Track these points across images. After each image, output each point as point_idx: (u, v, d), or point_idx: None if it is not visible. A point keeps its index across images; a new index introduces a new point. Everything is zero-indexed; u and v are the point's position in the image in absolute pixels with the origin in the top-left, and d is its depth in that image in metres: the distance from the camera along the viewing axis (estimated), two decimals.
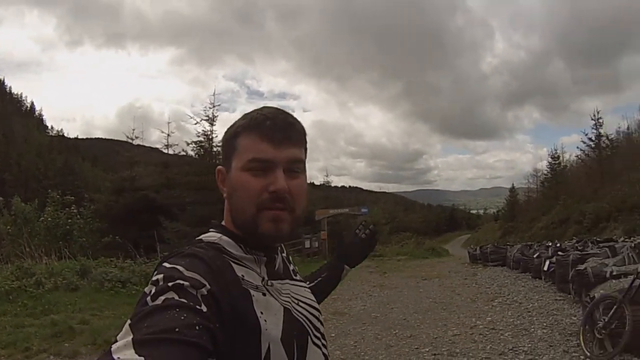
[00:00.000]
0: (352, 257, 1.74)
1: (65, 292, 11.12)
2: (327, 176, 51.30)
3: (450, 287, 14.22)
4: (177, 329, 0.74)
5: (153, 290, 0.84)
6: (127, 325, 0.77)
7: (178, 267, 0.90)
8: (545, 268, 13.39)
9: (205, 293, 0.86)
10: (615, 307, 6.06)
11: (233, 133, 1.10)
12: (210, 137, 28.34)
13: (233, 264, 1.01)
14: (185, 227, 23.23)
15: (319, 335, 1.15)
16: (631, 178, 26.38)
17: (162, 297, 0.81)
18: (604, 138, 40.61)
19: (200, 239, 1.08)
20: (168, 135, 31.16)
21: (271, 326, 0.98)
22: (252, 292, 0.99)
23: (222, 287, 0.91)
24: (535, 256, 15.87)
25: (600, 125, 40.80)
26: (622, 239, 15.16)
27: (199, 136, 28.41)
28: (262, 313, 0.97)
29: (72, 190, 26.11)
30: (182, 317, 0.77)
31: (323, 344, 1.17)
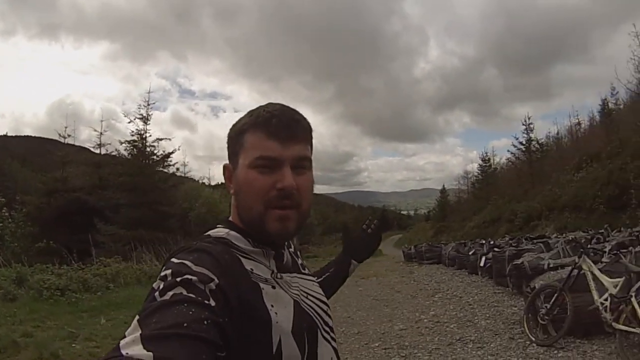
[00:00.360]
0: (359, 252, 1.73)
1: (4, 302, 10.61)
2: None
3: (389, 284, 14.51)
4: (185, 324, 0.74)
5: (161, 286, 0.83)
6: (135, 321, 0.77)
7: (186, 262, 0.89)
8: (482, 264, 13.92)
9: (214, 287, 0.86)
10: (555, 295, 6.43)
11: (239, 130, 1.09)
12: (144, 136, 27.36)
13: (241, 258, 1.02)
14: (119, 230, 22.63)
15: (328, 329, 1.15)
16: (561, 179, 27.67)
17: (170, 293, 0.81)
18: (534, 142, 42.77)
19: (208, 234, 1.09)
20: (101, 133, 30.29)
21: (282, 319, 0.98)
22: (261, 285, 0.99)
23: (231, 281, 0.91)
24: (470, 253, 16.50)
25: (531, 130, 43.08)
26: (555, 235, 16.00)
27: (132, 135, 27.35)
28: (272, 306, 0.97)
29: (3, 191, 24.71)
30: (191, 312, 0.77)
31: (332, 338, 1.17)
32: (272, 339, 0.94)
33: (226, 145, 1.15)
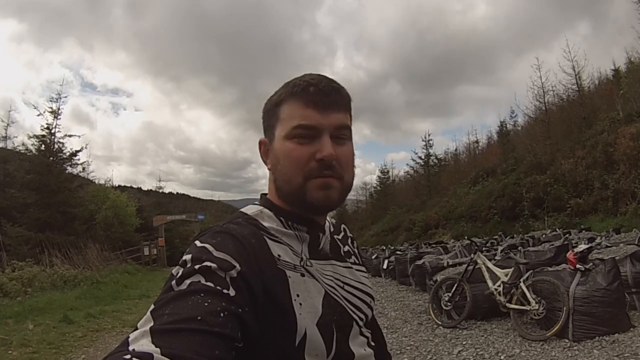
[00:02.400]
0: None
1: None
2: (159, 181, 50.40)
3: None
4: (199, 317, 0.74)
5: (180, 273, 0.83)
6: (148, 312, 0.77)
7: (208, 246, 0.89)
8: (385, 266, 15.43)
9: (235, 275, 0.85)
10: (456, 285, 7.67)
11: (275, 102, 1.08)
12: (53, 132, 25.59)
13: (270, 242, 0.99)
14: (27, 231, 21.29)
15: (366, 323, 1.13)
16: (458, 192, 30.26)
17: (188, 281, 0.81)
18: (432, 157, 45.66)
19: (242, 212, 1.09)
20: (8, 125, 28.87)
21: (307, 309, 0.95)
22: (288, 272, 0.97)
23: (255, 268, 0.90)
24: (373, 257, 17.98)
25: (430, 146, 45.88)
26: (452, 241, 17.74)
27: (42, 130, 25.39)
28: (298, 296, 0.95)
29: None
30: (207, 304, 0.77)
31: (373, 331, 1.17)
32: (296, 330, 0.92)
33: (261, 120, 1.14)
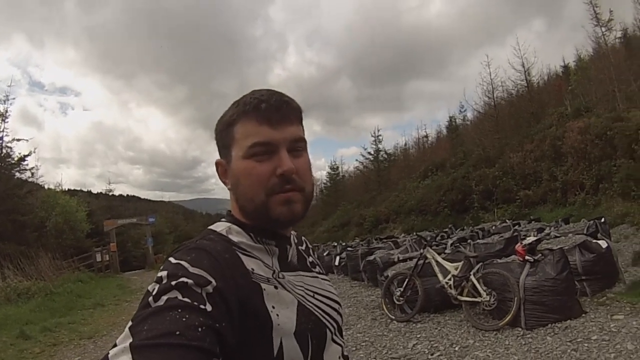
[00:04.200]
0: None
1: None
2: (109, 184, 49.48)
3: None
4: (178, 332, 0.75)
5: (156, 289, 0.84)
6: (127, 329, 0.78)
7: (183, 262, 0.90)
8: (337, 263, 15.48)
9: (211, 291, 0.86)
10: (407, 280, 7.87)
11: (228, 122, 1.09)
12: (1, 136, 24.38)
13: (242, 256, 1.01)
14: None
15: (336, 329, 1.16)
16: (408, 186, 30.79)
17: (165, 297, 0.82)
18: (382, 152, 46.20)
19: (211, 229, 1.10)
20: None
21: (284, 320, 0.98)
22: (263, 285, 0.99)
23: (231, 282, 0.91)
24: (325, 254, 18.01)
25: (380, 141, 46.41)
26: (402, 235, 17.99)
27: None
28: (273, 307, 0.97)
29: None
30: (184, 319, 0.78)
31: (341, 336, 1.20)
32: (273, 342, 0.95)
33: (215, 142, 1.15)
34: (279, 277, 1.04)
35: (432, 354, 5.98)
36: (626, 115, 14.89)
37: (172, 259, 0.92)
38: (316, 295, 1.12)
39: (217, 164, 1.14)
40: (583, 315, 6.37)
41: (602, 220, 9.71)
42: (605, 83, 19.47)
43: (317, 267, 1.25)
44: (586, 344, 5.47)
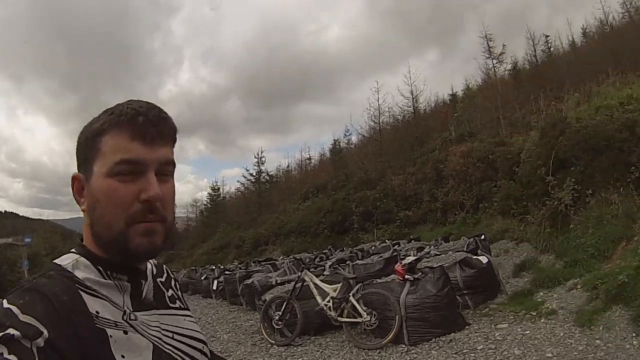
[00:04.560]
0: None
1: None
2: None
3: None
4: None
5: None
6: None
7: (13, 307, 0.79)
8: (214, 287, 15.12)
9: (42, 344, 0.76)
10: (285, 303, 7.71)
11: (97, 131, 0.95)
12: None
13: (86, 296, 0.89)
14: None
15: None
16: (288, 208, 30.87)
17: None
18: (264, 174, 45.93)
19: (56, 263, 0.96)
20: None
21: None
22: (109, 331, 0.87)
23: (68, 332, 0.80)
24: (202, 278, 17.56)
25: (262, 163, 46.15)
26: (281, 257, 17.85)
27: None
28: (123, 357, 0.86)
29: None
30: None
31: None
32: None
33: (75, 152, 1.00)
34: (130, 319, 0.93)
35: None
36: (509, 140, 15.73)
37: (4, 302, 0.81)
38: (176, 336, 1.02)
39: (74, 178, 0.98)
40: (467, 327, 6.60)
41: (482, 237, 10.02)
42: (491, 111, 20.49)
43: (177, 301, 1.14)
44: (472, 354, 5.68)
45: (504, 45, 22.58)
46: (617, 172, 9.47)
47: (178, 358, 0.98)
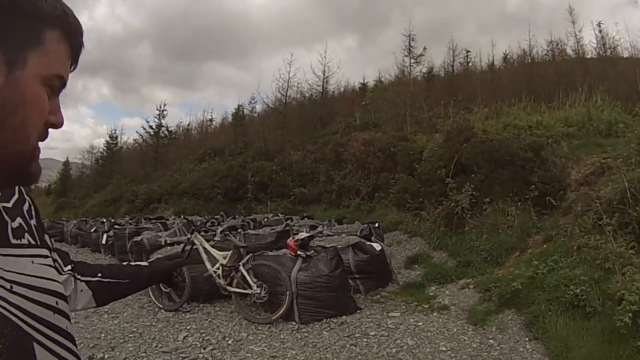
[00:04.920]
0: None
1: None
2: None
3: None
4: None
5: None
6: None
7: None
8: (104, 241, 14.60)
9: None
10: None
11: (44, 15, 0.74)
12: None
13: None
14: None
15: (54, 334, 0.82)
16: (184, 168, 30.39)
17: None
18: (164, 128, 44.53)
19: None
20: None
21: None
22: None
23: None
24: (92, 231, 16.91)
25: (164, 117, 44.51)
26: (172, 217, 17.72)
27: None
28: None
29: None
30: None
31: (67, 347, 0.85)
32: None
33: None
34: None
35: (204, 348, 5.86)
36: (412, 137, 16.23)
37: None
38: (15, 287, 0.75)
39: None
40: (358, 311, 6.78)
41: (377, 225, 10.32)
42: (399, 106, 20.84)
43: (27, 235, 0.86)
44: (365, 339, 5.80)
45: (424, 48, 23.19)
46: (517, 187, 10.06)
47: (14, 318, 0.73)
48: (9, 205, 0.84)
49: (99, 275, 1.25)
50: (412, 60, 22.75)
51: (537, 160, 10.39)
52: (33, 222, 0.90)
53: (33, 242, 0.86)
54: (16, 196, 0.88)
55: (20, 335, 0.73)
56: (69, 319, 0.87)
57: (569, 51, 24.86)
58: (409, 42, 22.57)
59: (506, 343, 5.68)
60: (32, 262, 0.82)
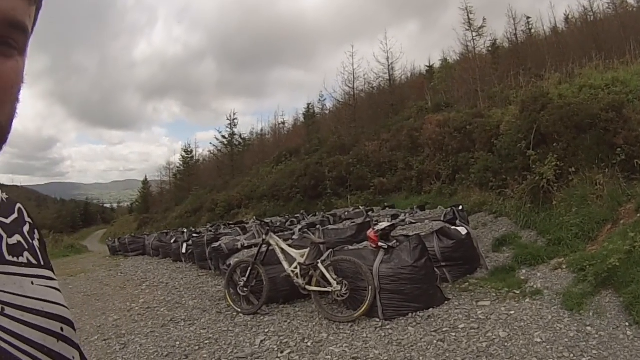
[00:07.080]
0: None
1: None
2: None
3: (97, 279, 14.16)
4: None
5: None
6: None
7: None
8: (184, 251, 14.76)
9: None
10: (250, 269, 7.33)
11: None
12: None
13: None
14: None
15: None
16: (260, 171, 30.88)
17: None
18: (237, 136, 45.95)
19: None
20: None
21: None
22: None
23: None
24: (172, 241, 17.02)
25: (235, 125, 45.92)
26: (251, 220, 17.55)
27: None
28: None
29: None
30: None
31: None
32: None
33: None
34: None
35: (281, 352, 5.53)
36: (487, 113, 15.43)
37: None
38: (7, 310, 0.60)
39: None
40: (446, 302, 6.29)
41: (460, 207, 9.80)
42: (469, 83, 20.22)
43: (26, 254, 0.69)
44: (453, 334, 5.35)
45: (484, 19, 22.33)
46: (602, 152, 9.32)
47: (5, 346, 0.57)
48: (7, 221, 0.70)
49: None
50: (474, 34, 21.90)
51: (620, 120, 9.48)
52: (35, 243, 0.75)
53: (34, 262, 0.70)
54: (15, 215, 0.74)
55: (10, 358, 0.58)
56: (78, 349, 0.70)
57: (631, 0, 23.21)
58: (468, 16, 21.76)
59: (605, 330, 5.11)
60: (32, 283, 0.67)
